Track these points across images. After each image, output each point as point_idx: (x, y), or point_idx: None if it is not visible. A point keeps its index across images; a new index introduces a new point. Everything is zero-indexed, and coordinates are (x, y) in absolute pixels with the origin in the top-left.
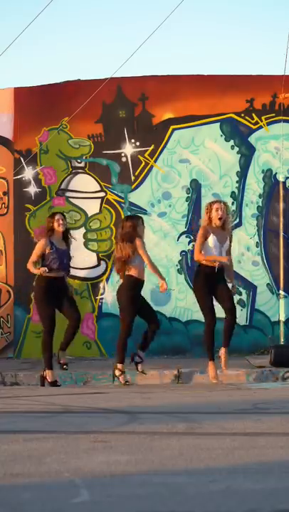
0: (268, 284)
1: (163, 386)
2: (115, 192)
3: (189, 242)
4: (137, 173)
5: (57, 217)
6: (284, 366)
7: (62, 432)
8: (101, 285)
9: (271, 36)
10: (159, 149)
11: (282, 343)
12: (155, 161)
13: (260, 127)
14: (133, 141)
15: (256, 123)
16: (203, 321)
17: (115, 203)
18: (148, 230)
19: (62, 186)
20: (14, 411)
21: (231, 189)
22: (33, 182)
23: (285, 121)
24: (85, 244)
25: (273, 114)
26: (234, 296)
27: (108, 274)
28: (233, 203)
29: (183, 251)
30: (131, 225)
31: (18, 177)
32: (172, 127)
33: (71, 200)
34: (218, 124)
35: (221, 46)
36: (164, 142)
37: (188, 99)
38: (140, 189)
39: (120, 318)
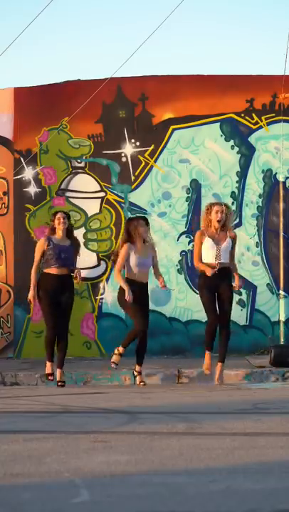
0: (267, 284)
1: (163, 386)
2: (115, 192)
3: (189, 242)
4: (137, 173)
5: (58, 215)
6: (284, 366)
7: (62, 432)
8: (101, 285)
9: (271, 36)
10: (159, 149)
11: (282, 343)
12: (155, 161)
13: (260, 127)
14: (133, 141)
15: (256, 123)
16: (204, 321)
17: (115, 203)
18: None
19: (62, 186)
20: (14, 411)
21: (231, 189)
22: (33, 182)
23: (285, 121)
24: (85, 244)
25: (273, 114)
26: (234, 297)
27: (108, 274)
28: (233, 203)
29: (183, 251)
30: (125, 229)
31: (18, 177)
32: (172, 127)
33: (71, 200)
34: (218, 124)
35: (221, 46)
36: (164, 142)
37: (188, 99)
38: (140, 189)
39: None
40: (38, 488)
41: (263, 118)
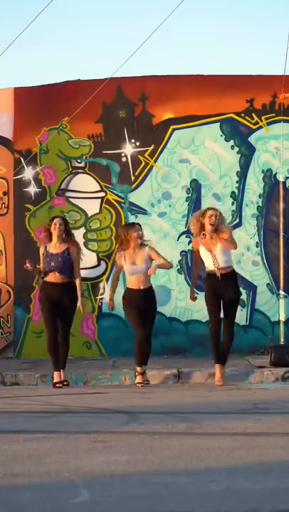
0: (267, 284)
1: (163, 386)
2: (115, 192)
3: (189, 242)
4: (137, 173)
5: (54, 221)
6: (284, 366)
7: (62, 432)
8: (101, 285)
9: (271, 36)
10: (159, 149)
11: (282, 343)
12: (155, 161)
13: (260, 127)
14: (133, 141)
15: (256, 123)
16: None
17: (115, 203)
18: (148, 230)
19: (62, 186)
20: (14, 411)
21: (231, 189)
22: (33, 182)
23: (285, 121)
24: (85, 244)
25: (273, 114)
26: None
27: (108, 274)
28: (233, 203)
29: (183, 251)
30: (117, 237)
31: (18, 177)
32: (172, 127)
33: (71, 200)
34: (218, 124)
35: (221, 46)
36: (164, 142)
37: (188, 99)
38: (140, 189)
39: None
40: (38, 488)
41: (263, 118)
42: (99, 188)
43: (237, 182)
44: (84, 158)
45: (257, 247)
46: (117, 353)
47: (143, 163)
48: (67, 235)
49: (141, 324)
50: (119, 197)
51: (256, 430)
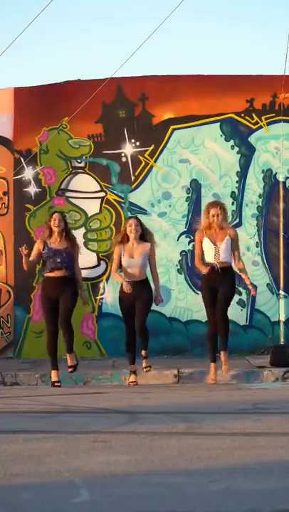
0: (267, 284)
1: (163, 386)
2: (115, 192)
3: (189, 242)
4: (137, 173)
5: (54, 216)
6: (284, 366)
7: (62, 432)
8: (101, 285)
9: (271, 36)
10: (159, 149)
11: (282, 343)
12: (155, 161)
13: (260, 127)
14: (133, 141)
15: (256, 123)
16: (204, 320)
17: (115, 203)
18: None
19: (63, 186)
20: (14, 411)
21: (231, 189)
22: (33, 182)
23: (285, 121)
24: (85, 244)
25: (273, 114)
26: (234, 297)
27: (108, 274)
28: (233, 203)
29: (183, 251)
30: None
31: (18, 177)
32: (172, 127)
33: (71, 200)
34: (218, 124)
35: (221, 46)
36: (164, 142)
37: (188, 99)
38: (140, 189)
39: None
40: (38, 488)
41: (263, 118)
42: (99, 188)
43: (237, 182)
44: (84, 158)
45: (257, 247)
46: (117, 353)
47: (143, 163)
48: (66, 230)
49: (132, 323)
50: (119, 197)
51: (256, 430)
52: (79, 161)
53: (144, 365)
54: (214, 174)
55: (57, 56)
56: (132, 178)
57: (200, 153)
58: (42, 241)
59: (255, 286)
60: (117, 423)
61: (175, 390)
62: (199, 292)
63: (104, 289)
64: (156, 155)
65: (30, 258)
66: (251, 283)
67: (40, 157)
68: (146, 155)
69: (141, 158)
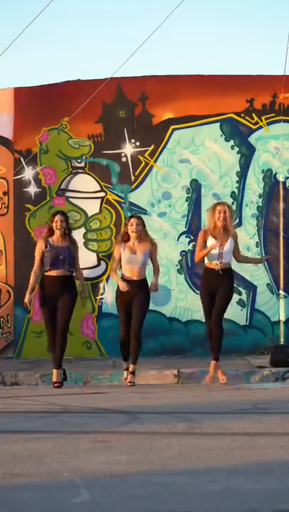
0: (267, 284)
1: (163, 386)
2: (115, 192)
3: (189, 242)
4: (137, 173)
5: (56, 218)
6: (284, 366)
7: (62, 432)
8: (101, 285)
9: (271, 36)
10: (159, 149)
11: (282, 343)
12: (155, 161)
13: (260, 127)
14: (133, 141)
15: (256, 123)
16: (204, 321)
17: (115, 203)
18: (148, 230)
19: (63, 186)
20: (14, 411)
21: (231, 189)
22: (33, 182)
23: (285, 121)
24: (85, 244)
25: (273, 114)
26: (234, 297)
27: (108, 274)
28: (233, 203)
29: (183, 251)
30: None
31: (18, 177)
32: (172, 127)
33: (71, 200)
34: (218, 124)
35: (221, 46)
36: (164, 142)
37: (188, 99)
38: (140, 189)
39: None
40: (38, 488)
41: (263, 118)
42: (99, 188)
43: (237, 182)
44: (84, 158)
45: (257, 247)
46: (117, 353)
47: (143, 163)
48: (68, 230)
49: (127, 323)
50: (119, 197)
51: (256, 430)
52: (79, 161)
53: (128, 379)
54: (214, 174)
55: (57, 56)
56: (132, 178)
57: (200, 153)
58: (44, 239)
59: (266, 256)
60: (117, 423)
61: (175, 390)
62: (197, 291)
63: (104, 289)
64: (156, 155)
65: (38, 264)
66: (261, 257)
67: (40, 157)
68: (146, 155)
69: (141, 158)
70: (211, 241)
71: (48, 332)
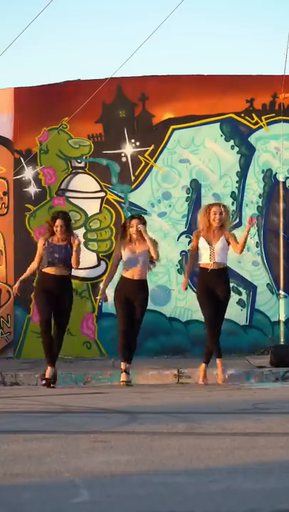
0: (267, 284)
1: (163, 386)
2: (115, 192)
3: (189, 242)
4: (137, 173)
5: (57, 223)
6: (284, 366)
7: (62, 432)
8: (101, 285)
9: (271, 36)
10: (159, 149)
11: (282, 343)
12: (155, 161)
13: (260, 127)
14: (133, 141)
15: (256, 123)
16: (204, 321)
17: (115, 203)
18: (148, 230)
19: (63, 186)
20: (14, 411)
21: (231, 189)
22: (33, 182)
23: (285, 121)
24: (85, 244)
25: (273, 114)
26: (234, 296)
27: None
28: (233, 203)
29: (183, 251)
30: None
31: (18, 177)
32: (172, 127)
33: (71, 200)
34: (218, 124)
35: (221, 46)
36: (164, 142)
37: (188, 99)
38: (140, 189)
39: None
40: (38, 488)
41: (263, 118)
42: (99, 188)
43: (237, 182)
44: (84, 158)
45: (257, 247)
46: (117, 353)
47: (143, 163)
48: (69, 232)
49: (125, 323)
50: (119, 197)
51: (256, 430)
52: (79, 161)
53: (124, 378)
54: (214, 174)
55: (57, 56)
56: (132, 178)
57: (200, 153)
58: (44, 239)
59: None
60: (117, 423)
61: (175, 390)
62: (194, 288)
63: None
64: (156, 155)
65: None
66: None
67: (40, 157)
68: (146, 155)
69: (141, 158)
70: (202, 242)
71: (42, 326)
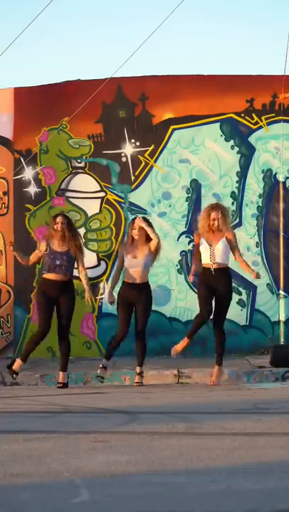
0: (268, 284)
1: (163, 386)
2: (115, 192)
3: (189, 242)
4: (137, 173)
5: (57, 219)
6: (284, 366)
7: (62, 432)
8: (101, 285)
9: (271, 36)
10: (159, 149)
11: (282, 343)
12: (155, 161)
13: (260, 127)
14: (133, 141)
15: (256, 123)
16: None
17: (115, 203)
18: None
19: (63, 186)
20: (14, 411)
21: (231, 189)
22: (33, 182)
23: (285, 121)
24: (85, 244)
25: (273, 114)
26: (234, 297)
27: (108, 274)
28: (233, 203)
29: (183, 251)
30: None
31: (18, 177)
32: (172, 127)
33: (71, 200)
34: (218, 124)
35: (221, 46)
36: (164, 142)
37: (188, 99)
38: (140, 189)
39: None
40: (38, 488)
41: (263, 118)
42: (99, 188)
43: (237, 182)
44: (84, 158)
45: (257, 247)
46: (117, 353)
47: (143, 163)
48: (70, 233)
49: (126, 323)
50: (119, 197)
51: (256, 430)
52: (79, 161)
53: (136, 380)
54: (214, 174)
55: (57, 56)
56: (132, 178)
57: (200, 153)
58: (45, 242)
59: (257, 273)
60: (117, 423)
61: (175, 390)
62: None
63: (104, 289)
64: (156, 155)
65: (30, 258)
66: (253, 270)
67: (40, 157)
68: (146, 155)
69: (141, 158)
70: (203, 243)
71: (39, 330)
